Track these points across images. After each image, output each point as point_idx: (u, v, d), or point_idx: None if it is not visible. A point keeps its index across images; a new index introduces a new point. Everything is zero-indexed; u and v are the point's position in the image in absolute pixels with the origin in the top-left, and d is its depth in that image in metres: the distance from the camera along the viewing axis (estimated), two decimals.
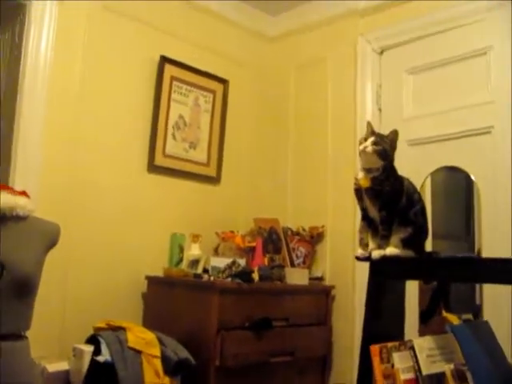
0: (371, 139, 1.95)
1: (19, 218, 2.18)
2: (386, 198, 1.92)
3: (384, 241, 1.93)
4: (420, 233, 1.94)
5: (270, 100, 4.12)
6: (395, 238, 1.92)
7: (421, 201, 1.98)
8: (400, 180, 1.97)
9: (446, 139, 3.16)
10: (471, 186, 3.04)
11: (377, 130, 2.04)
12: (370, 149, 1.93)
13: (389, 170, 1.95)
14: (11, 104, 2.98)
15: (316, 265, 3.59)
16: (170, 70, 3.52)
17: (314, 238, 3.56)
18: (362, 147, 1.95)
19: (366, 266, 2.03)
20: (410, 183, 1.99)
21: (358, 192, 1.99)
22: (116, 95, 3.35)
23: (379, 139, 1.94)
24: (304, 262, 3.50)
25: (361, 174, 1.97)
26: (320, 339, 3.33)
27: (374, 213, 1.96)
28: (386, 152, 1.93)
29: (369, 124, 2.04)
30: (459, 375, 1.61)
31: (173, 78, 3.54)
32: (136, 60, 3.45)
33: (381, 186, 1.93)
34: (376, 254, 1.93)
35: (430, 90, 3.31)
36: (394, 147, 1.97)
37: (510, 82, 2.93)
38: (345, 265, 3.42)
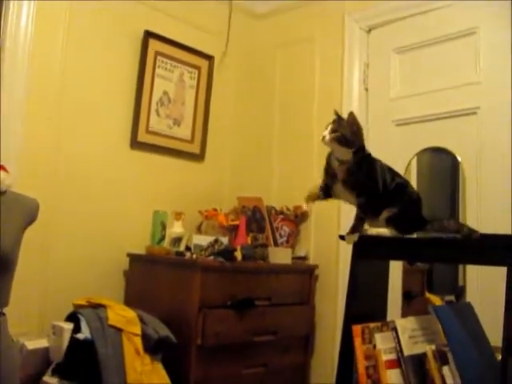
0: (329, 127, 1.88)
1: None
2: (363, 187, 1.88)
3: (361, 223, 1.91)
4: (406, 208, 1.89)
5: (255, 78, 4.07)
6: (381, 218, 1.90)
7: (397, 177, 1.94)
8: (373, 165, 1.91)
9: (432, 119, 3.14)
10: (457, 167, 3.04)
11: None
12: (327, 138, 1.86)
13: (360, 158, 1.88)
14: None
15: (300, 244, 3.58)
16: (154, 44, 3.46)
17: (298, 217, 3.54)
18: (321, 136, 1.88)
19: (350, 245, 2.02)
20: (382, 165, 1.94)
21: (328, 171, 1.95)
22: (99, 70, 3.29)
23: (337, 125, 1.87)
24: (287, 242, 3.48)
25: (335, 164, 1.91)
26: (303, 319, 3.33)
27: (348, 199, 1.94)
28: (344, 138, 1.85)
29: (335, 112, 1.94)
30: (440, 356, 1.61)
31: (157, 53, 3.48)
32: (120, 35, 3.39)
33: (355, 178, 1.88)
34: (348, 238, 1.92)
35: (418, 69, 3.28)
36: (354, 131, 1.89)
37: (497, 62, 2.91)
38: (328, 244, 3.41)
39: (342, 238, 2.00)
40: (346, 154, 1.87)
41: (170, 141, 3.56)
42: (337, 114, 1.94)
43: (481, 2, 2.99)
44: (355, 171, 1.87)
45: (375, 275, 2.05)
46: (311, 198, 2.01)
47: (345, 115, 1.94)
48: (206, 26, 3.82)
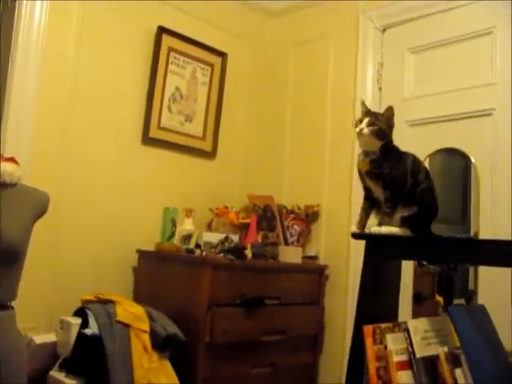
0: (366, 120, 1.89)
1: (7, 186, 2.13)
2: (388, 179, 1.87)
3: (386, 218, 1.89)
4: (426, 213, 1.88)
5: (268, 76, 4.05)
6: (396, 217, 1.88)
7: (428, 179, 1.92)
8: (403, 159, 1.90)
9: (446, 120, 3.11)
10: (470, 169, 3.01)
11: (376, 109, 2.00)
12: (366, 131, 1.87)
13: (388, 150, 1.89)
14: (3, 72, 2.91)
15: (310, 244, 3.56)
16: (167, 40, 3.45)
17: (309, 216, 3.51)
18: (358, 130, 1.89)
19: (361, 246, 2.00)
20: (416, 161, 1.93)
21: (360, 173, 1.95)
22: (112, 65, 3.29)
23: (374, 119, 1.88)
24: (298, 241, 3.46)
25: (360, 157, 1.92)
26: (312, 319, 3.31)
27: (378, 193, 1.92)
28: (382, 131, 1.87)
29: (363, 104, 1.98)
30: (453, 358, 1.57)
31: (170, 49, 3.47)
32: (133, 30, 3.38)
33: (380, 169, 1.88)
34: (372, 229, 1.89)
35: (432, 69, 3.25)
36: (390, 125, 1.91)
37: None
38: (339, 245, 3.39)
39: (353, 235, 1.97)
40: (375, 145, 1.88)
41: (182, 137, 3.55)
42: (365, 105, 1.97)
43: (497, 2, 2.96)
44: (380, 162, 1.87)
45: (387, 275, 2.02)
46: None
47: (358, 114, 1.95)
48: (220, 22, 3.80)
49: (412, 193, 1.86)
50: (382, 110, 1.88)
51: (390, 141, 1.91)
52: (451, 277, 1.97)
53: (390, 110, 1.93)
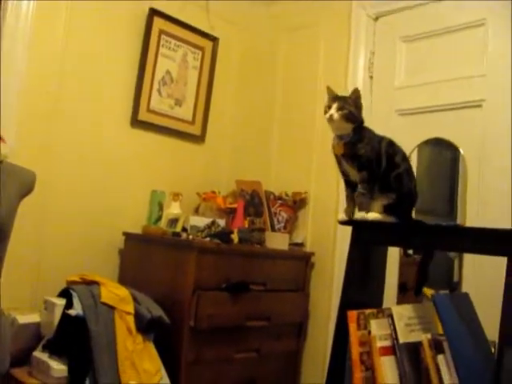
0: (335, 105, 1.92)
1: None
2: (363, 159, 1.89)
3: (364, 200, 1.90)
4: (405, 199, 1.89)
5: (259, 61, 4.03)
6: (378, 205, 1.88)
7: (405, 162, 1.93)
8: (377, 140, 1.93)
9: (436, 110, 3.11)
10: (458, 160, 3.01)
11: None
12: (336, 116, 1.90)
13: (360, 131, 1.92)
14: None
15: (297, 231, 3.56)
16: (158, 23, 3.43)
17: (297, 203, 3.51)
18: (328, 116, 1.92)
19: (347, 234, 2.00)
20: (392, 144, 1.94)
21: (337, 157, 1.96)
22: (102, 47, 3.27)
23: (343, 103, 1.91)
24: (285, 227, 3.46)
25: (334, 141, 1.95)
26: (297, 306, 3.31)
27: (354, 175, 1.93)
28: (352, 114, 1.90)
29: (329, 89, 2.00)
30: (436, 344, 1.58)
31: (161, 32, 3.45)
32: (124, 11, 3.35)
33: (354, 150, 1.90)
34: (359, 215, 1.89)
35: (424, 59, 3.24)
36: (359, 107, 1.94)
37: (504, 55, 2.87)
38: (326, 232, 3.39)
39: (340, 222, 1.98)
40: (347, 129, 1.91)
41: (171, 121, 3.54)
42: (331, 90, 1.98)
43: None
44: (354, 143, 1.90)
45: (373, 263, 2.03)
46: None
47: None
48: (212, 7, 3.78)
49: (387, 177, 1.88)
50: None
51: (361, 122, 1.95)
52: (425, 263, 1.98)
53: (356, 92, 1.96)
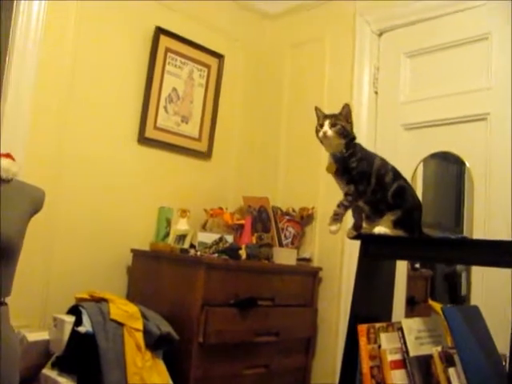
0: (327, 122, 1.94)
1: (2, 181, 2.12)
2: (354, 172, 1.92)
3: (342, 209, 1.92)
4: (411, 213, 1.90)
5: (265, 78, 4.06)
6: (386, 220, 1.89)
7: (397, 180, 1.93)
8: (370, 157, 1.96)
9: (441, 124, 3.12)
10: (464, 174, 3.02)
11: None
12: (330, 132, 1.93)
13: (353, 146, 1.95)
14: (0, 70, 2.91)
15: (304, 246, 3.56)
16: (165, 41, 3.45)
17: (304, 218, 3.52)
18: (321, 134, 1.95)
19: (354, 249, 2.01)
20: (384, 164, 1.96)
21: (334, 177, 1.99)
22: (109, 65, 3.29)
23: (334, 119, 1.94)
24: (292, 243, 3.46)
25: (328, 161, 1.97)
26: (305, 321, 3.31)
27: (343, 189, 1.96)
28: (345, 129, 1.93)
29: (317, 109, 2.04)
30: (447, 358, 1.58)
31: (168, 50, 3.47)
32: (131, 30, 3.38)
33: (346, 164, 1.93)
34: (366, 230, 1.92)
35: (428, 74, 3.26)
36: (350, 122, 1.97)
37: (508, 69, 2.89)
38: (333, 247, 3.39)
39: (350, 238, 2.00)
40: (340, 145, 1.94)
41: (178, 138, 3.55)
42: (319, 109, 2.03)
43: (493, 9, 2.98)
44: (347, 157, 1.93)
45: (381, 276, 2.03)
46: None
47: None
48: (217, 24, 3.82)
49: (385, 197, 1.89)
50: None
51: (353, 137, 1.97)
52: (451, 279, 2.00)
53: (346, 108, 1.98)
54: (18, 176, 2.20)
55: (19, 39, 2.91)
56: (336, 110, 3.49)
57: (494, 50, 2.97)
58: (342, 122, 1.94)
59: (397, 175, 1.95)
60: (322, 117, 1.99)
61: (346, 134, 1.93)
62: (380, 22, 3.47)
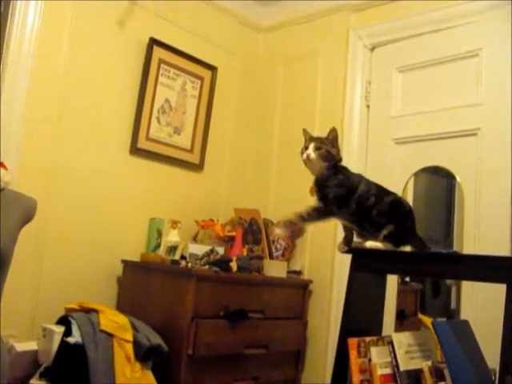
0: (312, 145, 1.95)
1: None
2: (328, 191, 1.92)
3: (299, 220, 1.99)
4: (404, 223, 1.91)
5: (257, 90, 4.08)
6: (378, 235, 1.91)
7: (383, 200, 1.93)
8: (350, 185, 1.95)
9: (432, 139, 3.15)
10: (455, 188, 3.04)
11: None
12: (313, 155, 1.94)
13: (334, 170, 1.95)
14: None
15: (295, 258, 3.57)
16: (158, 52, 3.46)
17: (295, 232, 3.52)
18: (304, 156, 1.96)
19: (344, 262, 2.03)
20: (367, 190, 1.95)
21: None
22: (102, 75, 3.29)
23: (320, 143, 1.95)
24: (283, 255, 3.47)
25: (312, 184, 2.00)
26: (295, 333, 3.31)
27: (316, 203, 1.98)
28: (329, 153, 1.94)
29: (305, 131, 2.05)
30: (437, 373, 1.59)
31: (161, 61, 3.48)
32: (125, 41, 3.38)
33: (323, 185, 1.93)
34: (355, 244, 1.93)
35: (420, 89, 3.30)
36: (336, 146, 1.98)
37: (499, 84, 2.92)
38: (324, 260, 3.40)
39: (342, 252, 2.01)
40: (322, 168, 1.95)
41: (170, 149, 3.55)
42: (307, 132, 2.06)
43: (484, 25, 3.02)
44: (325, 179, 1.94)
45: (372, 290, 2.04)
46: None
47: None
48: (211, 36, 3.83)
49: (370, 216, 1.90)
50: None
51: (338, 161, 1.97)
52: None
53: (333, 132, 1.99)
54: (11, 185, 2.20)
55: (13, 50, 2.90)
56: (328, 123, 3.52)
57: (485, 66, 3.01)
58: (328, 146, 1.94)
59: (382, 194, 1.95)
60: (308, 139, 2.00)
61: (331, 158, 1.93)
62: (372, 37, 3.51)
